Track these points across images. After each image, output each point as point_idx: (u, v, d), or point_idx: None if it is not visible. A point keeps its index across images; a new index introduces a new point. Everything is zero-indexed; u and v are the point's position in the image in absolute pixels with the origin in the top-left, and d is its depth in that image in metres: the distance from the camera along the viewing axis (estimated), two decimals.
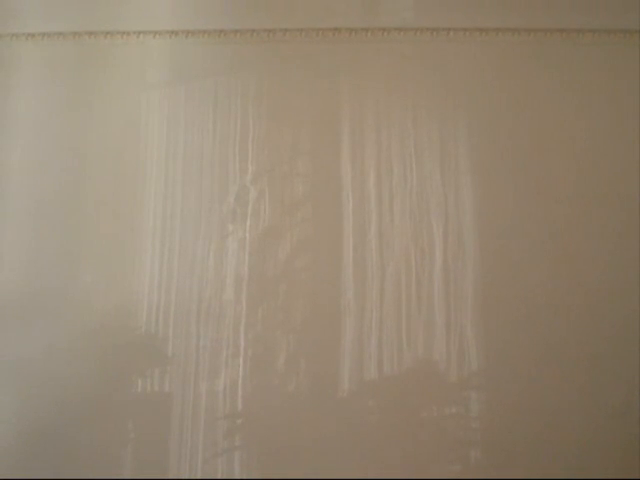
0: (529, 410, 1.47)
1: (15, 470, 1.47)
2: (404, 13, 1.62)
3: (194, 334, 1.51)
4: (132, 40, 1.62)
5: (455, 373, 1.49)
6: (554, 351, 1.49)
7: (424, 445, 1.47)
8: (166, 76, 1.61)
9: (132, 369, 1.50)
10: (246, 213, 1.56)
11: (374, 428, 1.48)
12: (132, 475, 1.47)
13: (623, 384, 1.48)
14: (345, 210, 1.55)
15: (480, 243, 1.53)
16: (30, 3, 1.64)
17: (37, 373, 1.50)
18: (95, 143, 1.58)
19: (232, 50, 1.61)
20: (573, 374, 1.48)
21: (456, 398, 1.49)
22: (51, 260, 1.54)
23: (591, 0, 1.61)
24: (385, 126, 1.58)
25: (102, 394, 1.49)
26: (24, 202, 1.57)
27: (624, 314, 1.50)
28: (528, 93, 1.59)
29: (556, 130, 1.57)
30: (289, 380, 1.49)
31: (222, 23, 1.62)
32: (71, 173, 1.58)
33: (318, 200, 1.56)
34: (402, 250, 1.54)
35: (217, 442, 1.47)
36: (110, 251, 1.54)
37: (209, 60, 1.61)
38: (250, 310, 1.52)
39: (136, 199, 1.56)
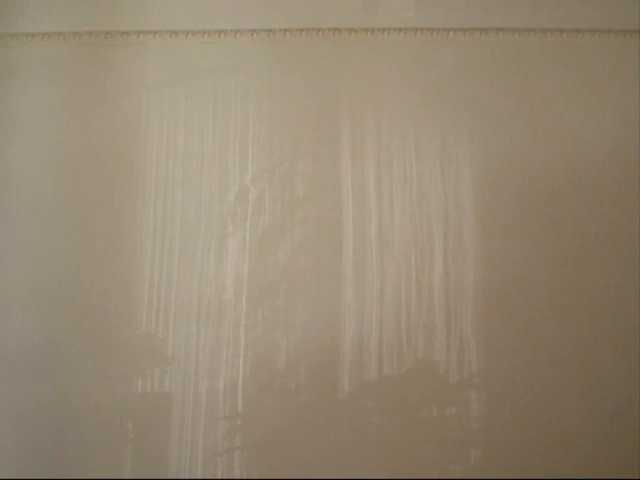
0: (529, 410, 1.47)
1: (15, 470, 1.47)
2: (404, 13, 1.62)
3: (194, 334, 1.51)
4: (132, 40, 1.62)
5: (455, 373, 1.49)
6: (554, 351, 1.49)
7: (424, 445, 1.47)
8: (166, 76, 1.61)
9: (132, 369, 1.50)
10: (246, 213, 1.56)
11: (374, 428, 1.48)
12: (132, 475, 1.47)
13: (624, 384, 1.48)
14: (345, 210, 1.55)
15: (480, 243, 1.53)
16: (30, 3, 1.64)
17: (37, 373, 1.50)
18: (95, 143, 1.58)
19: (232, 50, 1.61)
20: (573, 374, 1.48)
21: (456, 398, 1.49)
22: (50, 260, 1.54)
23: (591, 0, 1.61)
24: (385, 126, 1.58)
25: (102, 394, 1.49)
26: (24, 202, 1.57)
27: (625, 314, 1.50)
28: (528, 93, 1.59)
29: (556, 130, 1.57)
30: (289, 380, 1.49)
31: (222, 23, 1.62)
32: (70, 173, 1.58)
33: (318, 200, 1.56)
34: (402, 250, 1.54)
35: (217, 442, 1.48)
36: (110, 251, 1.54)
37: (209, 60, 1.61)
38: (250, 310, 1.52)
39: (136, 199, 1.56)
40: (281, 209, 1.56)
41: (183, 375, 1.49)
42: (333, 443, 1.47)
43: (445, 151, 1.57)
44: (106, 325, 1.52)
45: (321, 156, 1.58)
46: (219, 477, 1.47)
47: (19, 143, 1.59)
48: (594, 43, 1.60)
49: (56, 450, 1.48)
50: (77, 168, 1.58)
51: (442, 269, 1.53)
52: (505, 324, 1.50)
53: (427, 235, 1.54)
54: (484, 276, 1.52)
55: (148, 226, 1.55)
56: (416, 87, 1.60)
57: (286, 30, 1.61)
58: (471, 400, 1.49)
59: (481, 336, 1.50)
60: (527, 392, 1.48)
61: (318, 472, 1.45)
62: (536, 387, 1.48)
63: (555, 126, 1.57)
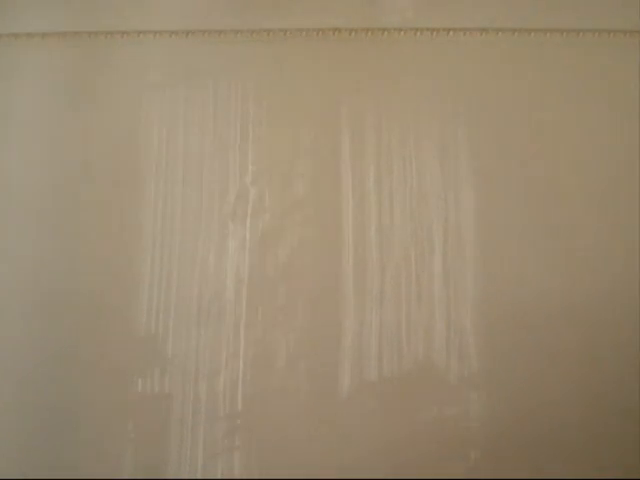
0: (529, 410, 1.47)
1: (15, 470, 1.47)
2: (404, 13, 1.62)
3: (194, 334, 1.51)
4: (132, 40, 1.62)
5: (455, 373, 1.49)
6: (555, 351, 1.49)
7: (424, 445, 1.47)
8: (166, 76, 1.61)
9: (132, 369, 1.50)
10: (246, 213, 1.56)
11: (374, 428, 1.48)
12: (132, 475, 1.47)
13: (624, 384, 1.48)
14: (345, 210, 1.55)
15: (480, 243, 1.53)
16: (30, 3, 1.64)
17: (36, 373, 1.50)
18: (95, 143, 1.58)
19: (232, 50, 1.61)
20: (574, 374, 1.48)
21: (456, 398, 1.49)
22: (50, 260, 1.54)
23: (591, 0, 1.61)
24: (385, 126, 1.58)
25: (102, 394, 1.49)
26: (23, 201, 1.57)
27: (625, 314, 1.50)
28: (528, 93, 1.59)
29: (556, 130, 1.57)
30: (289, 380, 1.49)
31: (222, 23, 1.62)
32: (71, 173, 1.58)
33: (318, 200, 1.56)
34: (402, 250, 1.54)
35: (217, 442, 1.48)
36: (110, 251, 1.54)
37: (209, 60, 1.61)
38: (250, 310, 1.52)
39: (136, 199, 1.56)
40: (281, 209, 1.56)
41: (183, 375, 1.49)
42: (333, 443, 1.47)
43: (445, 151, 1.57)
44: (106, 325, 1.52)
45: (321, 156, 1.58)
46: (219, 477, 1.47)
47: (18, 143, 1.59)
48: (594, 43, 1.60)
49: (56, 450, 1.48)
50: (77, 168, 1.58)
51: (442, 269, 1.53)
52: (505, 324, 1.50)
53: (427, 235, 1.54)
54: (484, 276, 1.52)
55: (148, 226, 1.55)
56: (416, 87, 1.60)
57: (286, 30, 1.61)
58: (471, 400, 1.48)
59: (481, 336, 1.50)
60: (527, 392, 1.48)
61: (318, 472, 1.45)
62: (536, 387, 1.48)
63: (554, 125, 1.57)
